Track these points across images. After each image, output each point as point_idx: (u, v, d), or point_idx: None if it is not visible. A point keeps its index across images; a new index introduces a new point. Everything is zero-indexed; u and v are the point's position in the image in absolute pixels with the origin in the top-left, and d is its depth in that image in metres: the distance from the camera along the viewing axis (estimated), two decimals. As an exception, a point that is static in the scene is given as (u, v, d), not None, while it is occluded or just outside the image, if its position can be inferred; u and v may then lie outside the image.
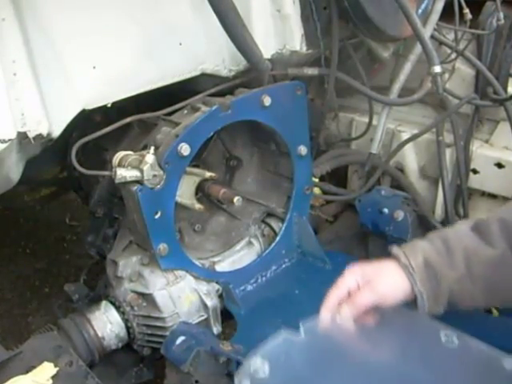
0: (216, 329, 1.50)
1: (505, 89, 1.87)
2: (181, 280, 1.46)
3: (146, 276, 1.45)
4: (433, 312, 1.28)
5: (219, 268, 1.60)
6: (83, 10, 1.32)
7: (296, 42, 1.62)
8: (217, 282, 1.54)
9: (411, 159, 2.01)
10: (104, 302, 1.47)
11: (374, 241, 1.92)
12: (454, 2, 1.76)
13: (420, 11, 1.70)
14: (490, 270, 1.21)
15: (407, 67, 1.77)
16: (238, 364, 1.26)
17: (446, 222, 1.93)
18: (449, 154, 1.92)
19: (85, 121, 1.44)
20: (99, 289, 1.62)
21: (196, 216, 1.73)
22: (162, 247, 1.41)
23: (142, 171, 1.33)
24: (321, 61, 1.71)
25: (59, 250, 3.00)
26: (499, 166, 1.87)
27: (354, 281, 1.26)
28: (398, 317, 1.28)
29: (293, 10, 1.60)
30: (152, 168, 1.34)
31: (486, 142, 1.97)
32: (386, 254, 1.79)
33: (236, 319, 1.53)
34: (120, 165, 1.37)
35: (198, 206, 1.56)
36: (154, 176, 1.34)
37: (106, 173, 1.40)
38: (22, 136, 1.24)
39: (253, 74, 1.59)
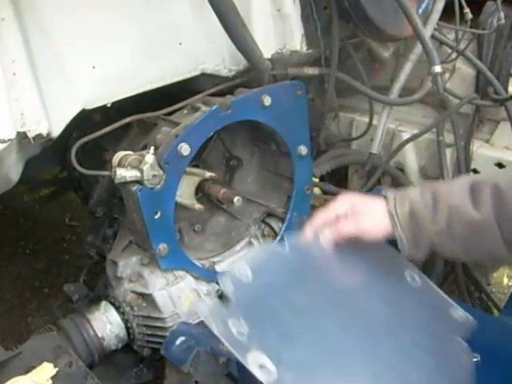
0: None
1: (505, 89, 1.87)
2: (181, 280, 1.46)
3: (145, 276, 1.45)
4: (413, 256, 1.36)
5: (219, 268, 1.60)
6: (83, 9, 1.32)
7: (296, 41, 1.62)
8: (217, 283, 1.53)
9: (412, 159, 2.01)
10: (104, 303, 1.47)
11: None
12: (454, 1, 1.76)
13: (420, 11, 1.69)
14: (469, 232, 1.23)
15: (407, 67, 1.77)
16: (238, 364, 1.26)
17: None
18: (449, 153, 1.92)
19: (84, 121, 1.43)
20: (99, 289, 1.62)
21: (196, 216, 1.72)
22: (162, 247, 1.41)
23: (141, 171, 1.32)
24: (321, 61, 1.71)
25: (59, 250, 3.00)
26: (500, 165, 1.87)
27: (344, 208, 1.33)
28: (376, 250, 1.38)
29: (293, 10, 1.59)
30: (152, 168, 1.33)
31: (487, 141, 1.97)
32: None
33: (236, 319, 1.53)
34: (120, 165, 1.37)
35: (197, 206, 1.56)
36: (154, 176, 1.34)
37: (106, 173, 1.40)
38: (22, 136, 1.24)
39: (253, 74, 1.59)
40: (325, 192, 1.96)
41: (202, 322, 1.46)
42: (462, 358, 1.35)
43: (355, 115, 2.14)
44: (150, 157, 1.34)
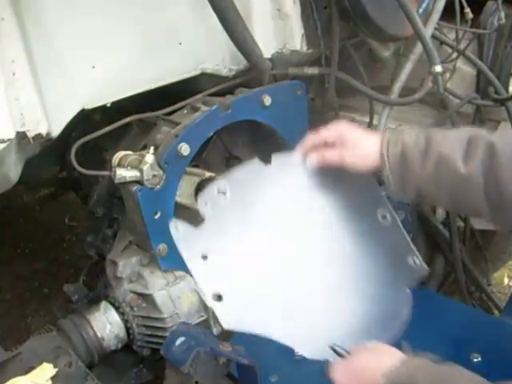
0: (216, 329, 1.49)
1: (506, 88, 1.86)
2: (180, 280, 1.45)
3: (145, 276, 1.44)
4: (399, 198, 1.44)
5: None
6: (83, 9, 1.31)
7: (296, 41, 1.62)
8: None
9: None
10: (103, 303, 1.46)
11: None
12: (454, 1, 1.76)
13: (421, 10, 1.69)
14: (454, 184, 1.25)
15: (408, 67, 1.76)
16: (239, 365, 1.26)
17: (446, 221, 1.93)
18: (450, 153, 1.92)
19: (84, 120, 1.43)
20: (99, 289, 1.61)
21: (196, 216, 1.72)
22: (162, 247, 1.40)
23: (141, 171, 1.32)
24: (321, 60, 1.71)
25: (58, 250, 3.00)
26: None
27: (333, 136, 1.38)
28: (359, 181, 1.46)
29: (293, 10, 1.59)
30: (152, 168, 1.33)
31: (487, 141, 1.96)
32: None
33: (236, 320, 1.53)
34: (119, 165, 1.36)
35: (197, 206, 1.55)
36: (154, 176, 1.34)
37: (106, 173, 1.40)
38: (21, 136, 1.24)
39: (253, 74, 1.59)
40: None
41: (201, 322, 1.47)
42: (403, 311, 1.48)
43: (355, 115, 2.13)
44: (149, 157, 1.33)
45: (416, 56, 1.77)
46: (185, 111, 1.51)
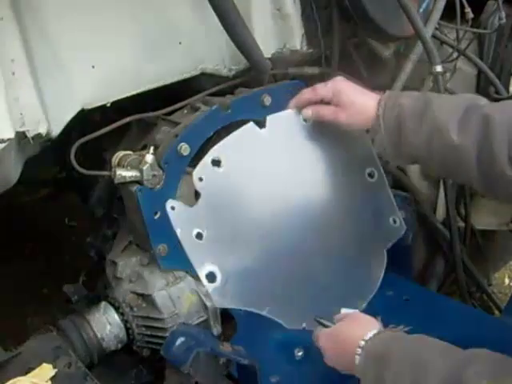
0: (216, 330, 1.49)
1: (507, 88, 1.86)
2: (180, 281, 1.45)
3: (145, 277, 1.44)
4: (392, 160, 1.46)
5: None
6: (82, 8, 1.31)
7: (296, 41, 1.62)
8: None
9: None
10: (103, 303, 1.46)
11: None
12: (455, 0, 1.76)
13: (421, 10, 1.69)
14: (446, 153, 1.25)
15: (408, 66, 1.76)
16: (239, 365, 1.26)
17: (447, 222, 1.92)
18: (450, 153, 1.92)
19: (84, 120, 1.43)
20: (98, 290, 1.61)
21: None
22: (162, 247, 1.40)
23: (141, 171, 1.32)
24: (321, 60, 1.71)
25: (58, 250, 2.99)
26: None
27: (331, 94, 1.38)
28: (352, 136, 1.48)
29: (293, 9, 1.59)
30: (151, 168, 1.33)
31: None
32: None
33: (236, 320, 1.53)
34: (119, 165, 1.36)
35: (197, 206, 1.55)
36: (154, 176, 1.34)
37: (106, 173, 1.40)
38: (21, 136, 1.23)
39: (253, 74, 1.59)
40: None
41: (201, 322, 1.47)
42: (377, 272, 1.55)
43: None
44: (149, 157, 1.33)
45: (416, 56, 1.77)
46: (185, 111, 1.51)
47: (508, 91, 1.86)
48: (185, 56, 1.51)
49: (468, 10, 1.76)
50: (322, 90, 1.41)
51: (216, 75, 1.58)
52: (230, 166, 1.37)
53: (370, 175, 1.56)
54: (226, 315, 1.54)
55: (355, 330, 1.22)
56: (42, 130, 1.26)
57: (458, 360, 1.09)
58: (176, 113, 1.51)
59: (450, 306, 1.61)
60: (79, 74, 1.33)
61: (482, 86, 1.90)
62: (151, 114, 1.49)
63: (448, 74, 1.87)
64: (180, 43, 1.49)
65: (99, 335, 1.41)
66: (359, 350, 1.17)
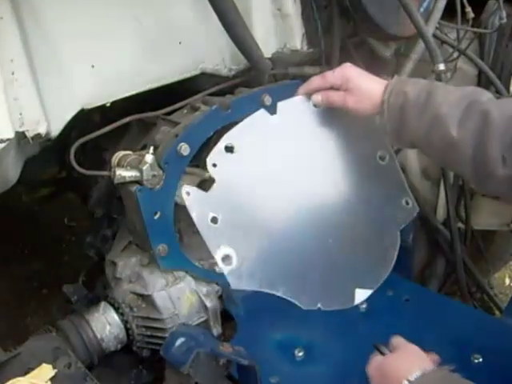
0: (216, 330, 1.49)
1: (507, 88, 1.86)
2: (180, 281, 1.45)
3: (145, 277, 1.44)
4: (394, 144, 1.54)
5: (219, 269, 1.59)
6: (82, 8, 1.31)
7: (297, 41, 1.61)
8: (217, 283, 1.52)
9: (413, 160, 2.00)
10: (103, 304, 1.46)
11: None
12: (456, 0, 1.75)
13: (422, 10, 1.68)
14: (444, 145, 1.27)
15: (409, 66, 1.76)
16: (239, 366, 1.26)
17: (447, 222, 1.92)
18: (451, 153, 1.91)
19: (83, 120, 1.42)
20: (98, 290, 1.61)
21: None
22: (162, 248, 1.40)
23: (141, 171, 1.32)
24: (322, 60, 1.70)
25: (58, 250, 2.99)
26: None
27: (340, 81, 1.40)
28: (362, 121, 1.49)
29: (293, 9, 1.58)
30: (151, 168, 1.33)
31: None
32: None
33: (236, 320, 1.52)
34: (119, 165, 1.36)
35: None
36: (154, 176, 1.33)
37: (105, 173, 1.40)
38: (21, 136, 1.23)
39: (253, 74, 1.58)
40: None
41: (201, 323, 1.46)
42: (391, 253, 1.56)
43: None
44: (149, 157, 1.33)
45: (417, 55, 1.77)
46: (185, 111, 1.51)
47: (508, 91, 1.86)
48: (185, 56, 1.51)
49: (468, 9, 1.76)
50: (331, 76, 1.43)
51: (216, 75, 1.58)
52: (243, 151, 1.38)
53: (381, 158, 1.57)
54: (225, 316, 1.54)
55: (402, 366, 1.18)
56: (42, 130, 1.26)
57: None
58: (176, 113, 1.51)
59: (451, 307, 1.61)
60: (79, 73, 1.33)
61: (483, 86, 1.89)
62: (151, 113, 1.49)
63: (449, 74, 1.87)
64: (180, 43, 1.49)
65: (99, 336, 1.41)
66: None
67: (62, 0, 1.27)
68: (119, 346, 1.45)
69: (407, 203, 1.62)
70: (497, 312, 2.19)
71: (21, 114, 1.21)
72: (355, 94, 1.39)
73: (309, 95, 1.49)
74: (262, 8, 1.57)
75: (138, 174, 1.32)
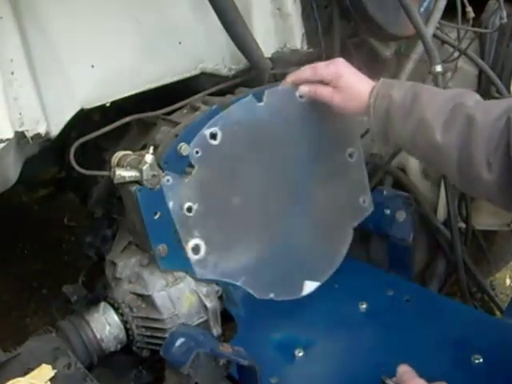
0: (216, 330, 1.49)
1: (508, 88, 1.85)
2: (180, 281, 1.45)
3: (145, 277, 1.44)
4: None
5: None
6: (82, 8, 1.31)
7: (297, 40, 1.61)
8: (217, 284, 1.52)
9: (413, 159, 2.00)
10: (103, 304, 1.45)
11: (375, 241, 1.91)
12: (456, 0, 1.75)
13: (422, 9, 1.69)
14: (428, 149, 1.27)
15: (409, 66, 1.76)
16: (239, 366, 1.25)
17: (448, 222, 1.92)
18: (451, 153, 1.91)
19: (83, 120, 1.42)
20: (98, 290, 1.61)
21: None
22: (162, 248, 1.40)
23: (141, 171, 1.31)
24: (322, 60, 1.70)
25: (57, 250, 3.00)
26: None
27: (330, 76, 1.39)
28: (336, 121, 1.51)
29: (293, 9, 1.58)
30: (151, 168, 1.32)
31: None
32: (387, 254, 1.80)
33: (236, 321, 1.52)
34: (119, 165, 1.36)
35: (197, 206, 1.55)
36: (154, 176, 1.33)
37: (105, 173, 1.39)
38: (20, 136, 1.23)
39: (253, 73, 1.58)
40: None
41: (201, 323, 1.46)
42: (342, 249, 1.61)
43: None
44: (149, 157, 1.33)
45: (417, 55, 1.77)
46: (184, 111, 1.51)
47: (509, 91, 1.85)
48: (184, 56, 1.51)
49: (469, 9, 1.76)
50: (323, 71, 1.41)
51: (216, 75, 1.58)
52: (226, 139, 1.38)
53: (350, 155, 1.58)
54: (225, 316, 1.54)
55: None
56: (42, 130, 1.26)
57: None
58: (176, 113, 1.51)
59: (451, 307, 1.60)
60: (79, 73, 1.33)
61: (483, 86, 1.89)
62: (151, 113, 1.49)
63: (449, 74, 1.87)
64: (180, 43, 1.49)
65: (99, 336, 1.40)
66: None
67: (62, 0, 1.27)
68: (119, 347, 1.45)
69: (364, 202, 1.64)
70: (497, 312, 2.18)
71: (20, 114, 1.21)
72: (344, 93, 1.38)
73: (296, 85, 1.47)
74: (262, 7, 1.57)
75: (137, 174, 1.31)
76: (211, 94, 1.54)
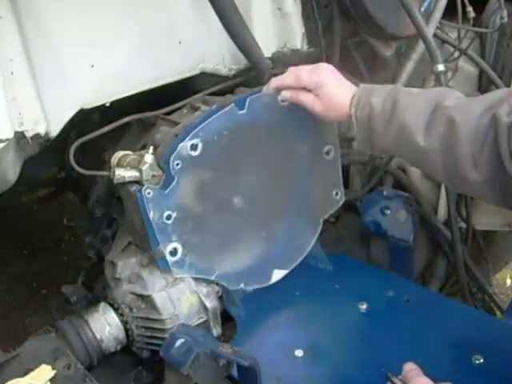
0: (216, 331, 1.49)
1: (508, 87, 1.85)
2: (180, 281, 1.45)
3: (144, 277, 1.43)
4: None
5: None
6: (81, 8, 1.31)
7: (297, 40, 1.61)
8: (217, 284, 1.52)
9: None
10: (102, 304, 1.45)
11: (375, 242, 1.91)
12: (456, -1, 1.76)
13: (423, 9, 1.68)
14: (413, 154, 1.28)
15: (410, 66, 1.76)
16: (239, 366, 1.25)
17: (448, 222, 1.92)
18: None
19: (83, 120, 1.42)
20: (97, 290, 1.61)
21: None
22: (162, 248, 1.40)
23: (140, 171, 1.31)
24: (322, 59, 1.70)
25: (57, 251, 2.99)
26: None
27: (312, 85, 1.37)
28: (316, 120, 1.47)
29: (294, 9, 1.58)
30: (151, 168, 1.32)
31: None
32: (387, 255, 1.79)
33: (236, 321, 1.52)
34: (118, 165, 1.36)
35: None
36: (153, 176, 1.33)
37: (105, 173, 1.39)
38: (20, 136, 1.23)
39: (253, 73, 1.58)
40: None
41: (201, 323, 1.46)
42: (307, 239, 1.65)
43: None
44: (149, 157, 1.33)
45: (418, 55, 1.77)
46: (184, 111, 1.51)
47: (510, 90, 1.85)
48: (184, 55, 1.51)
49: (469, 8, 1.75)
50: (305, 80, 1.38)
51: (216, 75, 1.58)
52: (206, 149, 1.38)
53: (327, 153, 1.60)
54: (226, 317, 1.53)
55: None
56: (41, 130, 1.25)
57: None
58: (175, 112, 1.51)
59: (452, 307, 1.60)
60: (78, 73, 1.33)
61: (484, 86, 1.89)
62: (150, 113, 1.49)
63: (450, 74, 1.86)
64: (180, 42, 1.49)
65: (98, 336, 1.40)
66: None
67: (62, 0, 1.27)
68: (119, 347, 1.45)
69: (337, 194, 1.67)
70: (498, 312, 2.18)
71: (20, 114, 1.21)
72: (325, 102, 1.36)
73: (279, 89, 1.45)
74: (262, 7, 1.57)
75: (137, 174, 1.31)
76: (211, 94, 1.54)
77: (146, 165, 1.31)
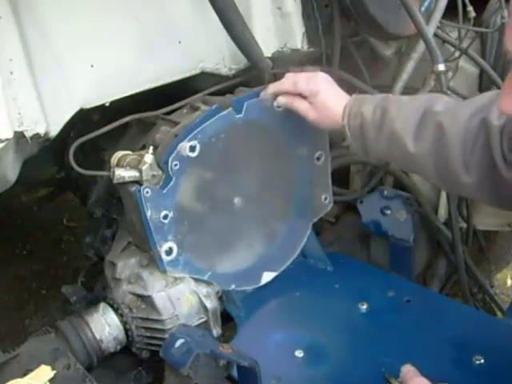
0: (216, 331, 1.48)
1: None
2: (180, 282, 1.45)
3: (144, 278, 1.43)
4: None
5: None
6: (81, 8, 1.30)
7: (297, 40, 1.61)
8: (217, 284, 1.52)
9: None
10: (102, 304, 1.45)
11: (376, 242, 1.91)
12: (457, -1, 1.75)
13: (423, 9, 1.68)
14: (405, 160, 1.30)
15: (410, 66, 1.76)
16: (239, 367, 1.25)
17: (449, 222, 1.92)
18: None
19: (83, 120, 1.42)
20: (97, 291, 1.60)
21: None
22: (161, 248, 1.40)
23: (140, 171, 1.31)
24: (322, 59, 1.70)
25: (57, 251, 2.99)
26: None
27: (308, 93, 1.39)
28: (308, 127, 1.49)
29: (294, 8, 1.58)
30: (151, 168, 1.32)
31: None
32: (388, 255, 1.79)
33: (236, 321, 1.52)
34: (118, 165, 1.35)
35: (197, 206, 1.55)
36: (153, 176, 1.33)
37: (105, 173, 1.39)
38: (19, 135, 1.22)
39: (253, 73, 1.58)
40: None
41: (201, 324, 1.46)
42: (296, 242, 1.68)
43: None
44: (148, 157, 1.32)
45: (418, 55, 1.77)
46: (184, 110, 1.50)
47: (510, 90, 1.85)
48: (184, 55, 1.50)
49: (470, 8, 1.75)
50: (302, 86, 1.41)
51: (216, 74, 1.57)
52: (204, 151, 1.39)
53: (318, 158, 1.62)
54: (226, 317, 1.53)
55: None
56: (41, 130, 1.25)
57: None
58: (175, 112, 1.50)
59: (452, 308, 1.60)
60: (78, 73, 1.32)
61: (485, 85, 1.89)
62: (150, 113, 1.49)
63: (450, 73, 1.86)
64: (180, 42, 1.49)
65: (98, 337, 1.40)
66: None
67: (62, 0, 1.27)
68: (118, 347, 1.44)
69: (325, 199, 1.69)
70: (498, 313, 2.18)
71: (19, 114, 1.21)
72: (319, 111, 1.39)
73: (276, 95, 1.47)
74: (262, 7, 1.57)
75: (137, 174, 1.31)
76: (211, 94, 1.54)
77: (146, 165, 1.31)
